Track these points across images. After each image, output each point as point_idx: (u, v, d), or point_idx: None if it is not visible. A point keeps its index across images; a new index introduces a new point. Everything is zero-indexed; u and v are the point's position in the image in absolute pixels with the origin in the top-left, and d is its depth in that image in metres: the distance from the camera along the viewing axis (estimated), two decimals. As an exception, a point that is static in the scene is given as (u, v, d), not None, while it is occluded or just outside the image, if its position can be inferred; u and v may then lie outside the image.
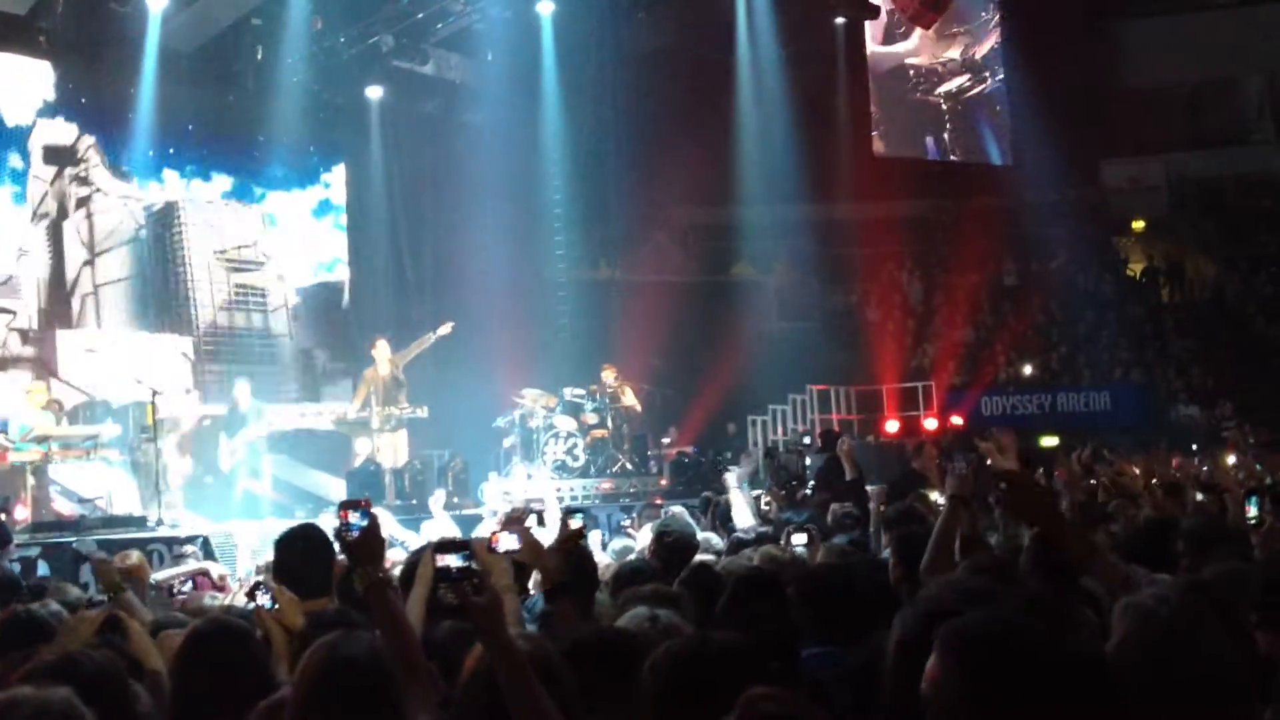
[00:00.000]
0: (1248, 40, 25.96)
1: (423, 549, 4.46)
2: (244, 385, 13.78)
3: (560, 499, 14.27)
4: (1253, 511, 4.71)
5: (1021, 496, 3.50)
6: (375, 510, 3.15)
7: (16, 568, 8.26)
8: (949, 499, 4.36)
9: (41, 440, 11.78)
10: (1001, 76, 26.80)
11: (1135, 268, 26.81)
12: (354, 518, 3.01)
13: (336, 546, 3.64)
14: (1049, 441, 19.36)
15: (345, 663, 2.89)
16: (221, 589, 7.08)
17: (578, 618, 3.98)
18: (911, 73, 26.54)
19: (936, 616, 2.36)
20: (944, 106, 26.95)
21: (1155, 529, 5.25)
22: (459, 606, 2.82)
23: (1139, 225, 27.26)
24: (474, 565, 2.86)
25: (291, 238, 18.33)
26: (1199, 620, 2.46)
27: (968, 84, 26.89)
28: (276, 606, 4.00)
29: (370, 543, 3.04)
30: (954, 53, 26.71)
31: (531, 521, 6.86)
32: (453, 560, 2.83)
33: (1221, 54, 26.21)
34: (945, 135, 27.15)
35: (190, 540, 9.83)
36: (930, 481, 10.43)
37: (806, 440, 17.51)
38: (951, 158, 27.11)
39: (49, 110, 15.62)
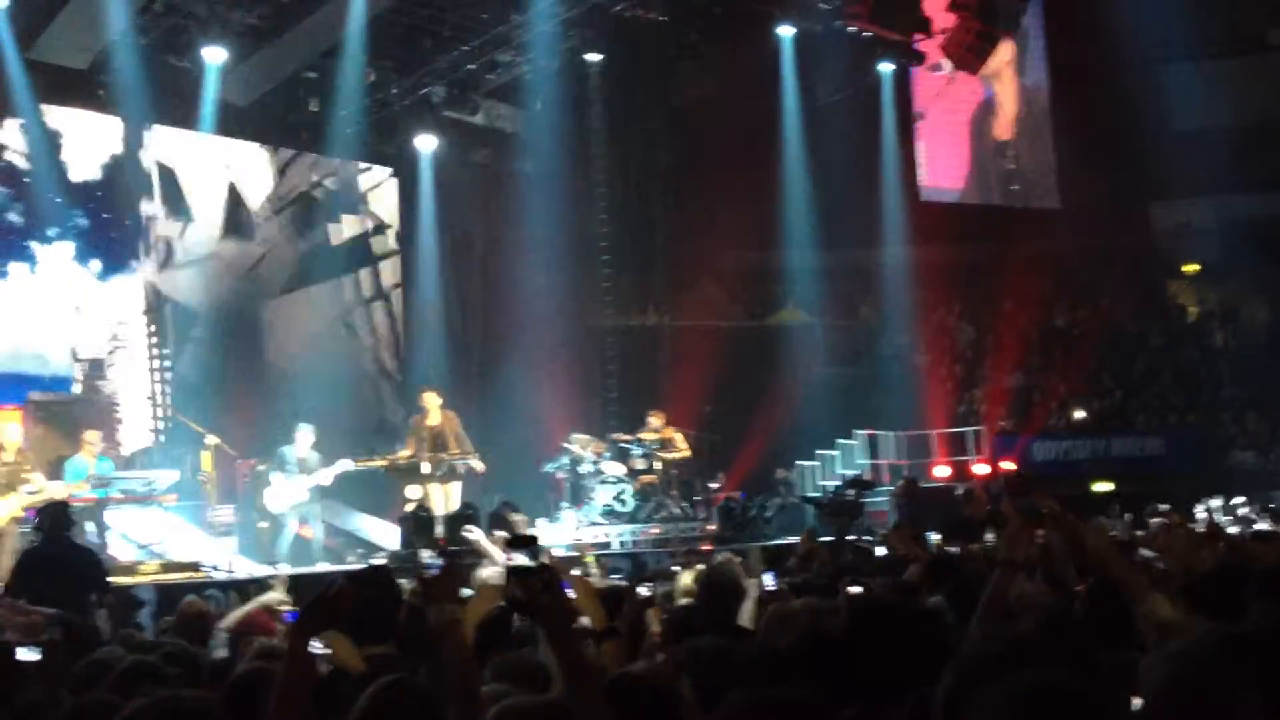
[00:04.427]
0: (1298, 83, 25.83)
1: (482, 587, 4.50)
2: (307, 431, 13.87)
3: (609, 544, 14.34)
4: None
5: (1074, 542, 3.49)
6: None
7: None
8: (1001, 564, 4.33)
9: (102, 485, 12.00)
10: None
11: (1189, 312, 26.57)
12: (431, 557, 3.13)
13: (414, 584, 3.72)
14: (1103, 487, 19.18)
15: (396, 703, 2.97)
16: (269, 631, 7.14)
17: (625, 661, 4.02)
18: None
19: (983, 672, 2.36)
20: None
21: (1222, 576, 4.79)
22: (527, 603, 2.89)
23: (1191, 269, 27.03)
24: (544, 563, 2.93)
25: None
26: (1233, 674, 2.39)
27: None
28: (329, 651, 4.06)
29: (447, 581, 3.13)
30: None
31: (576, 571, 6.91)
32: (523, 558, 2.91)
33: (1270, 97, 26.04)
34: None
35: (248, 584, 9.95)
36: (982, 530, 10.39)
37: (850, 493, 17.29)
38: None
39: (115, 166, 16.03)
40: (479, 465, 14.54)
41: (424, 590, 3.19)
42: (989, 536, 9.16)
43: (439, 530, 13.38)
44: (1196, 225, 26.69)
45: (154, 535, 12.58)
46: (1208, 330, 25.91)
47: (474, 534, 8.62)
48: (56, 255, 15.66)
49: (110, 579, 9.68)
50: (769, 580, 6.01)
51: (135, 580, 10.73)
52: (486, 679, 3.56)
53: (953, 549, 7.61)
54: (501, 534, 8.45)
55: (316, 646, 3.33)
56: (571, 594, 4.20)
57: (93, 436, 12.97)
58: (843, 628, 4.08)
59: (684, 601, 6.80)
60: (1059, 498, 6.52)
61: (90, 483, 12.14)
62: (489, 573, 8.67)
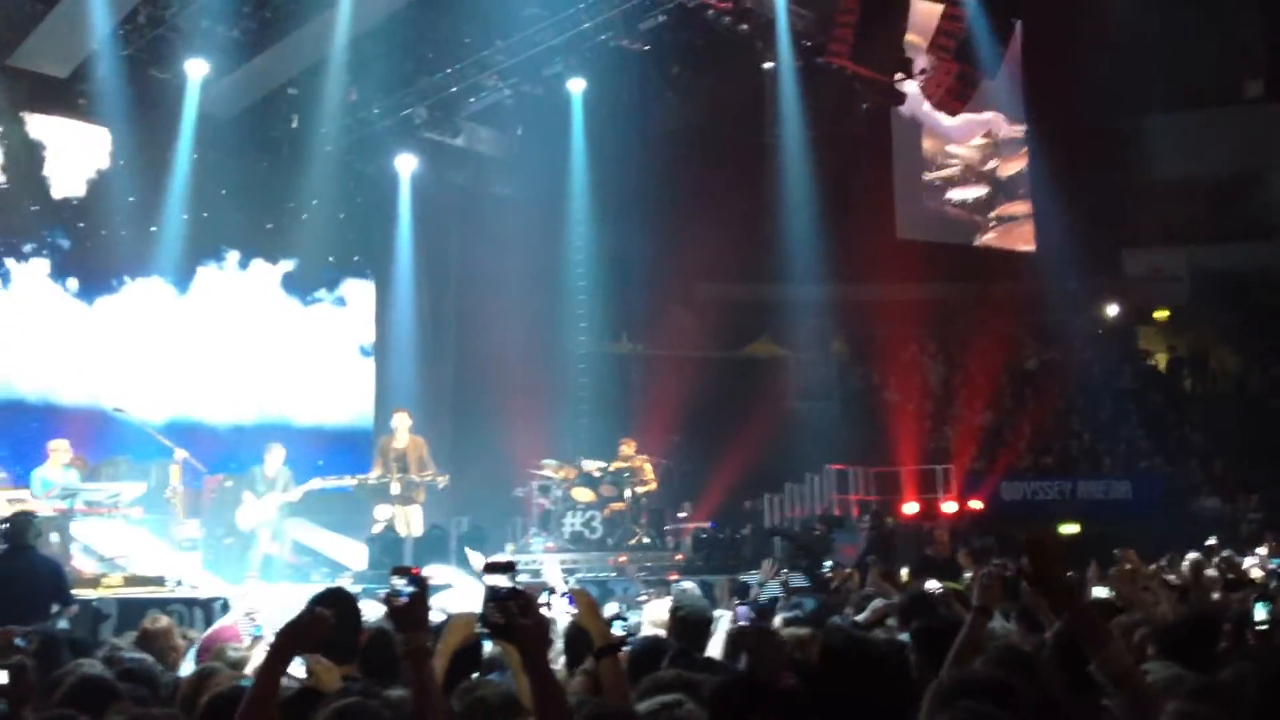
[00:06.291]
0: (1271, 136, 26.15)
1: (456, 616, 4.45)
2: (278, 450, 13.80)
3: (574, 573, 14.26)
4: (1261, 615, 4.40)
5: (1044, 570, 3.48)
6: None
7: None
8: (975, 609, 4.31)
9: (68, 496, 11.87)
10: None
11: (1158, 358, 26.78)
12: (402, 584, 3.08)
13: (383, 611, 3.68)
14: (1069, 529, 19.28)
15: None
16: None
17: (624, 677, 3.99)
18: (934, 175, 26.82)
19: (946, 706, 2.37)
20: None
21: (1194, 624, 4.86)
22: (506, 627, 2.86)
23: (1161, 315, 27.27)
24: (520, 587, 2.90)
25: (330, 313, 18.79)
26: None
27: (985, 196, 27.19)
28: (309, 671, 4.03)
29: (416, 609, 3.10)
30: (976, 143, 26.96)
31: (544, 598, 6.86)
32: (501, 581, 2.88)
33: (1245, 149, 26.39)
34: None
35: (212, 601, 9.88)
36: (946, 569, 10.43)
37: (819, 528, 17.32)
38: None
39: (100, 180, 15.95)
40: (441, 481, 14.47)
41: (394, 617, 3.17)
42: (967, 575, 9.19)
43: (408, 553, 13.31)
44: (1168, 272, 26.95)
45: (118, 548, 12.42)
46: (1176, 376, 26.11)
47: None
48: (32, 271, 15.58)
49: (73, 591, 9.59)
50: (742, 614, 5.99)
51: (98, 593, 10.60)
52: (454, 708, 3.54)
53: (925, 587, 7.61)
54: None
55: (297, 666, 3.32)
56: (574, 609, 4.17)
57: (59, 445, 12.82)
58: (815, 659, 4.09)
59: (652, 632, 6.79)
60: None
61: (55, 493, 12.01)
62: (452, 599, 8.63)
